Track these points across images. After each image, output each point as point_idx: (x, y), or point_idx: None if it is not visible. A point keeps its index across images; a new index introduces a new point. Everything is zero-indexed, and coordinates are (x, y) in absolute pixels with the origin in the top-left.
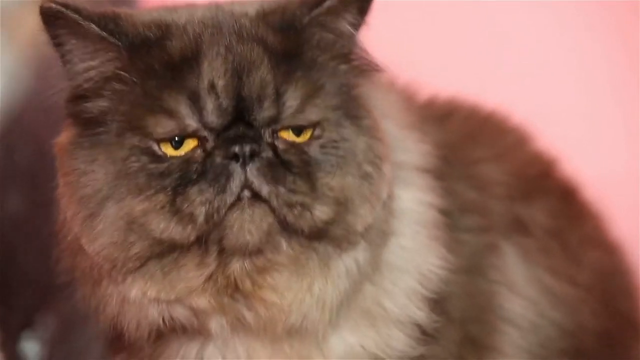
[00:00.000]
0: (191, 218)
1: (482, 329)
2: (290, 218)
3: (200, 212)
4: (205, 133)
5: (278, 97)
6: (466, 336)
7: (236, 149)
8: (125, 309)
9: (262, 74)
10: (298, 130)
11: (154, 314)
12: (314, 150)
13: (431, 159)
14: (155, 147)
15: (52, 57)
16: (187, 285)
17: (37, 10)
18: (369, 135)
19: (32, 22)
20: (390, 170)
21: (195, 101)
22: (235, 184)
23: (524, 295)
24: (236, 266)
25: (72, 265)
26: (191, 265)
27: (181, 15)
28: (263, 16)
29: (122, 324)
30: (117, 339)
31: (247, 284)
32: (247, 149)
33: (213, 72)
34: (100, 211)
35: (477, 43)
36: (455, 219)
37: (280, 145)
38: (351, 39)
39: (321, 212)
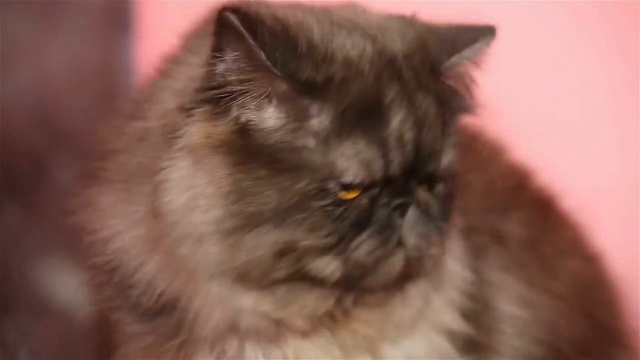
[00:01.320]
0: (357, 264)
1: (482, 330)
2: (413, 267)
3: (367, 260)
4: (383, 181)
5: (440, 153)
6: (469, 337)
7: (400, 201)
8: (214, 306)
9: (437, 129)
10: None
11: (240, 318)
12: (448, 202)
13: None
14: (337, 189)
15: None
16: (311, 312)
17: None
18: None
19: None
20: None
21: (384, 151)
22: (396, 235)
23: (511, 295)
24: (349, 301)
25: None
26: (318, 296)
27: (346, 42)
28: (418, 56)
29: (192, 314)
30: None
31: (340, 315)
32: (409, 201)
33: (401, 123)
34: (254, 229)
35: None
36: None
37: (423, 198)
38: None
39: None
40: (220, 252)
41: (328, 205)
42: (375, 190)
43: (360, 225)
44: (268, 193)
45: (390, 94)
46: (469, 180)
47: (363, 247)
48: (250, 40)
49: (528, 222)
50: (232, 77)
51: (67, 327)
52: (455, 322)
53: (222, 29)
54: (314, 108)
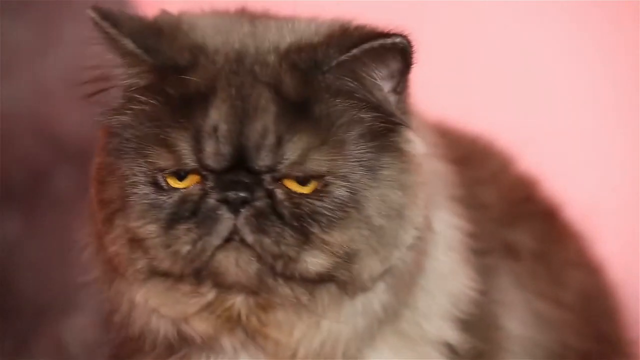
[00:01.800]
0: (177, 254)
1: (491, 348)
2: (277, 267)
3: (185, 251)
4: (204, 172)
5: (278, 146)
6: (478, 354)
7: (229, 194)
8: (134, 313)
9: (265, 122)
10: (303, 181)
11: (157, 324)
12: (314, 204)
13: (459, 190)
14: (159, 177)
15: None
16: (183, 310)
17: None
18: (386, 186)
19: None
20: (419, 213)
21: (197, 141)
22: (222, 229)
23: (519, 316)
24: (237, 300)
25: (95, 256)
26: (186, 291)
27: (217, 39)
28: (290, 54)
29: (130, 328)
30: (122, 348)
31: (252, 320)
32: (239, 196)
33: (219, 115)
34: (113, 220)
35: (466, 58)
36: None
37: (279, 195)
38: (381, 90)
39: (312, 264)
40: (106, 243)
41: (152, 193)
42: (209, 183)
43: (184, 215)
44: (113, 181)
45: (221, 86)
46: (478, 194)
47: (180, 235)
48: (113, 31)
49: (537, 233)
50: (101, 71)
51: (65, 335)
52: (446, 332)
53: (95, 26)
54: (149, 95)
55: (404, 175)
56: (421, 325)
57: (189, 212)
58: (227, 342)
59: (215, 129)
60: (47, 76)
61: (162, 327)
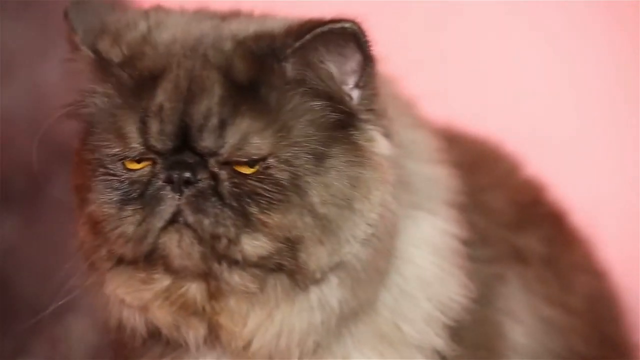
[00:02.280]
0: (124, 235)
1: (492, 357)
2: (218, 249)
3: (131, 232)
4: (152, 156)
5: (221, 129)
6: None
7: (173, 175)
8: (108, 306)
9: (209, 103)
10: (248, 163)
11: (127, 316)
12: (254, 185)
13: (459, 195)
14: (114, 162)
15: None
16: (142, 297)
17: None
18: (332, 175)
19: None
20: (373, 210)
21: (143, 122)
22: (165, 209)
23: (525, 323)
24: (191, 287)
25: (77, 253)
26: (143, 278)
27: (178, 32)
28: (247, 41)
29: (110, 323)
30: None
31: (207, 308)
32: (183, 175)
33: (164, 94)
34: (83, 206)
35: (468, 64)
36: (473, 250)
37: (223, 176)
38: (334, 80)
39: (253, 246)
40: (80, 240)
41: (107, 174)
42: (158, 165)
43: (132, 196)
44: (82, 168)
45: (170, 71)
46: (486, 199)
47: (126, 216)
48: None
49: (546, 237)
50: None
51: (64, 336)
52: (432, 338)
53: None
54: (103, 85)
55: (356, 168)
56: (400, 328)
57: (137, 193)
58: (190, 335)
59: (160, 108)
60: (47, 79)
61: (131, 319)
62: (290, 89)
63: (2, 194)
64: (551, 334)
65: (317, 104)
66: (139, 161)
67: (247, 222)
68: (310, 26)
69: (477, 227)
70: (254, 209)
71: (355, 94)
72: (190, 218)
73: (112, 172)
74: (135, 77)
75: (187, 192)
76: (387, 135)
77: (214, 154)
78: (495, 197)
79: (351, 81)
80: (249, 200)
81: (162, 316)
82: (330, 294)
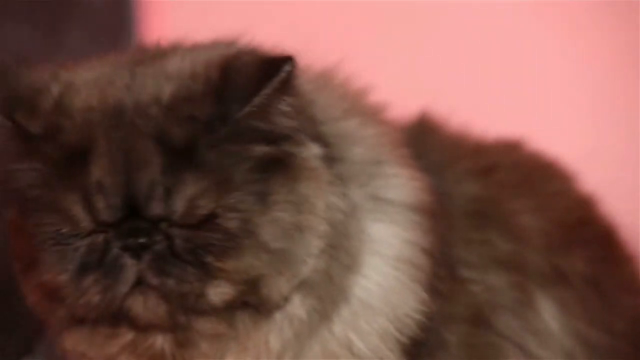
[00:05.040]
0: (89, 304)
1: None
2: (186, 304)
3: (96, 300)
4: (102, 227)
5: (167, 197)
6: None
7: (129, 242)
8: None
9: (151, 174)
10: (201, 221)
11: None
12: (206, 236)
13: (424, 197)
14: (61, 235)
15: None
16: (107, 351)
17: None
18: (278, 209)
19: None
20: (320, 221)
21: (86, 200)
22: (128, 276)
23: (557, 346)
24: (157, 339)
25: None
26: (106, 333)
27: (91, 97)
28: (174, 106)
29: None
30: None
31: (178, 356)
32: (139, 242)
33: (101, 170)
34: (27, 273)
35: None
36: (472, 272)
37: (176, 234)
38: (275, 122)
39: (218, 294)
40: (30, 303)
41: (56, 244)
42: (110, 232)
43: (90, 265)
44: (22, 237)
45: (99, 143)
46: (519, 223)
47: (89, 286)
48: None
49: (591, 257)
50: None
51: None
52: (378, 353)
53: None
54: (28, 161)
55: (296, 190)
56: (352, 343)
57: (95, 262)
58: None
59: (100, 185)
60: None
61: None
62: (227, 146)
63: (4, 194)
64: (591, 356)
65: (256, 149)
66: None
67: (207, 273)
68: (241, 93)
69: (497, 248)
70: (210, 259)
71: (284, 123)
72: (154, 281)
73: (62, 243)
74: (61, 152)
75: (146, 256)
76: (316, 137)
77: (164, 218)
78: (533, 219)
79: (279, 118)
80: (203, 252)
81: None
82: (296, 309)
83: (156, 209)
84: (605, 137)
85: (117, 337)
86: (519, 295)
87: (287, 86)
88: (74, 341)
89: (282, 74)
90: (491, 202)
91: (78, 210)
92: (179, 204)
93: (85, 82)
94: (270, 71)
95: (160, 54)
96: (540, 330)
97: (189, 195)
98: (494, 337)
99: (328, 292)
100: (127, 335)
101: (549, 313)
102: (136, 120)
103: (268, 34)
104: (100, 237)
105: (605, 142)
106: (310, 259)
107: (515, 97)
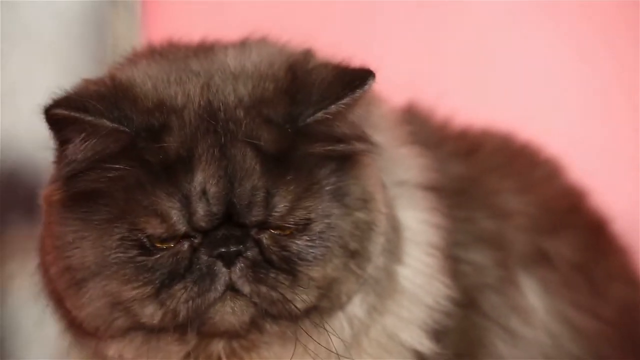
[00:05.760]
0: (174, 313)
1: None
2: (272, 311)
3: (184, 309)
4: (193, 233)
5: (268, 202)
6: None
7: (222, 250)
8: None
9: (254, 181)
10: (300, 225)
11: None
12: (298, 244)
13: (431, 174)
14: (144, 240)
15: None
16: (163, 358)
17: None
18: (356, 208)
19: None
20: (383, 217)
21: (186, 205)
22: (219, 284)
23: (541, 325)
24: (219, 346)
25: (57, 312)
26: (169, 340)
27: (175, 93)
28: (259, 107)
29: None
30: None
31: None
32: (232, 250)
33: (206, 178)
34: (86, 284)
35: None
36: (460, 250)
37: (266, 241)
38: (353, 124)
39: (302, 301)
40: (70, 306)
41: (138, 256)
42: (197, 240)
43: (177, 274)
44: (85, 247)
45: (201, 147)
46: (499, 202)
47: (178, 295)
48: (89, 118)
49: (580, 244)
50: (81, 155)
51: None
52: (418, 341)
53: (59, 125)
54: (124, 163)
55: (364, 188)
56: (399, 334)
57: (183, 270)
58: None
59: (204, 192)
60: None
61: None
62: (313, 147)
63: (6, 196)
64: (577, 340)
65: (336, 149)
66: (168, 240)
67: (296, 279)
68: (328, 95)
69: (479, 225)
70: (301, 268)
71: (352, 127)
72: (246, 288)
73: (141, 251)
74: (169, 154)
75: (239, 263)
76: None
77: (261, 223)
78: (516, 200)
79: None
80: (296, 260)
81: None
82: (356, 308)
83: (257, 213)
84: (603, 134)
85: (181, 344)
86: (503, 273)
87: (364, 97)
88: (123, 349)
89: (366, 87)
90: (474, 181)
91: (176, 215)
92: (280, 206)
93: (156, 77)
94: (353, 82)
95: (204, 50)
96: (524, 308)
97: (290, 197)
98: (480, 318)
99: (385, 288)
100: (192, 342)
101: (532, 292)
102: (230, 125)
103: (268, 34)
104: (184, 245)
105: (603, 139)
106: (376, 257)
107: (514, 94)
